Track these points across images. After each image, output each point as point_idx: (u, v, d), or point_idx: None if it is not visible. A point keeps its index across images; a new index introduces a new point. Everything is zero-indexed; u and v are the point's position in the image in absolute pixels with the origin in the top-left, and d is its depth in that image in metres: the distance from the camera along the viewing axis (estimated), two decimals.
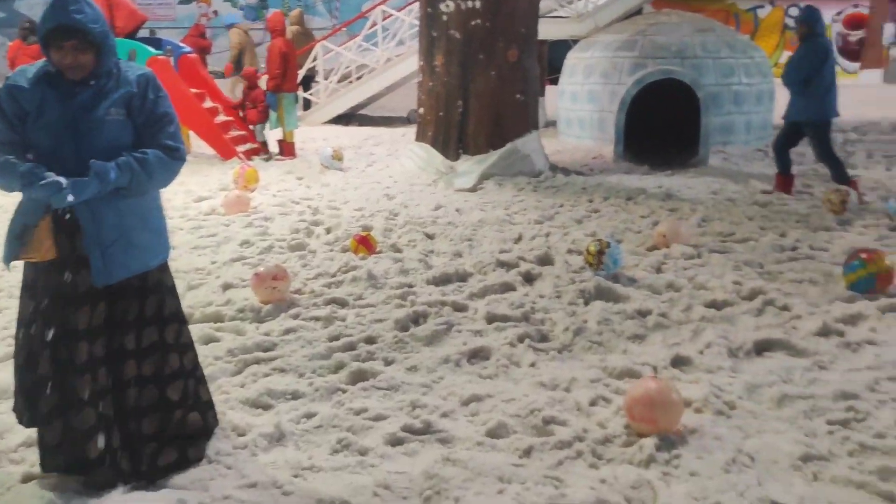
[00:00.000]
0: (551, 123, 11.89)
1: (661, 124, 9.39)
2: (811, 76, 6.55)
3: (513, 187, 7.55)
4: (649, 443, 2.71)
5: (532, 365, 3.52)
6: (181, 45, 10.43)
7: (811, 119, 6.70)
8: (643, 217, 6.34)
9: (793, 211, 6.38)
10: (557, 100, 11.25)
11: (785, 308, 4.14)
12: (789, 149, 7.02)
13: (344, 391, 3.21)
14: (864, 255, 4.37)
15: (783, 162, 7.08)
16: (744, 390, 3.19)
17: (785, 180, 7.10)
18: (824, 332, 3.80)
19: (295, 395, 3.18)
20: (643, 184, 7.69)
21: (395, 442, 2.80)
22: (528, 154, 8.13)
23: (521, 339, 3.75)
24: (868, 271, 4.29)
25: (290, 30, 13.48)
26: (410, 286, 4.58)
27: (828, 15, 24.33)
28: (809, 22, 6.68)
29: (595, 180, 7.86)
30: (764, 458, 2.67)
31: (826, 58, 6.64)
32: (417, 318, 4.03)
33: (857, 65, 23.67)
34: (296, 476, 2.59)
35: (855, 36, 24.10)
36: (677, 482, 2.54)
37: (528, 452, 2.73)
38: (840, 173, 6.85)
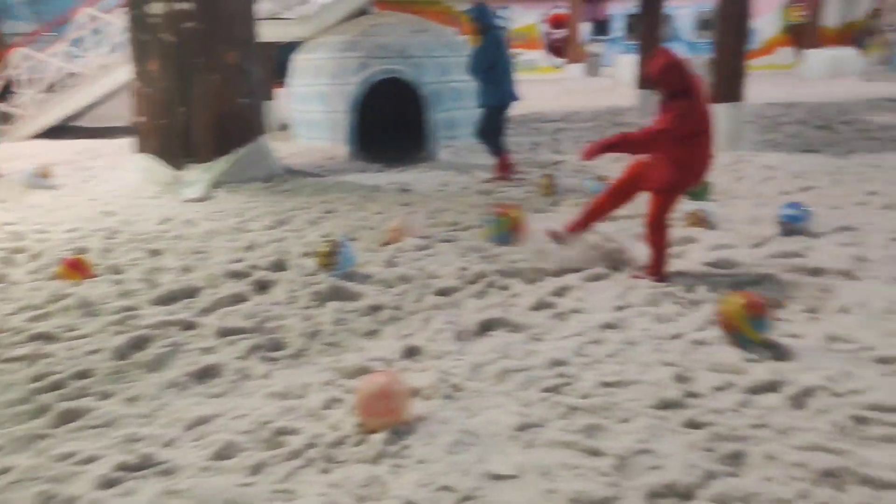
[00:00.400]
0: (286, 126, 11.71)
1: (393, 122, 9.65)
2: (493, 65, 7.22)
3: (246, 193, 7.32)
4: (379, 438, 2.74)
5: (265, 376, 3.41)
6: None
7: (495, 103, 7.37)
8: (377, 214, 6.46)
9: (511, 196, 6.86)
10: (290, 102, 11.10)
11: (504, 288, 4.43)
12: (498, 135, 7.59)
13: (48, 437, 2.87)
14: (498, 211, 4.81)
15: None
16: (469, 371, 3.34)
17: (502, 165, 7.66)
18: (538, 306, 4.12)
19: None
20: (377, 181, 7.84)
21: (107, 484, 2.54)
22: (258, 158, 7.93)
23: (253, 351, 3.63)
24: (504, 225, 4.74)
25: None
26: (132, 309, 4.23)
27: (534, 15, 26.67)
28: (482, 19, 7.32)
29: (330, 181, 7.86)
30: (486, 434, 2.80)
31: (503, 48, 7.34)
32: (139, 344, 3.73)
33: (563, 60, 26.24)
34: None
35: (558, 34, 26.68)
36: (407, 472, 2.59)
37: (258, 469, 2.62)
38: (496, 149, 7.62)
